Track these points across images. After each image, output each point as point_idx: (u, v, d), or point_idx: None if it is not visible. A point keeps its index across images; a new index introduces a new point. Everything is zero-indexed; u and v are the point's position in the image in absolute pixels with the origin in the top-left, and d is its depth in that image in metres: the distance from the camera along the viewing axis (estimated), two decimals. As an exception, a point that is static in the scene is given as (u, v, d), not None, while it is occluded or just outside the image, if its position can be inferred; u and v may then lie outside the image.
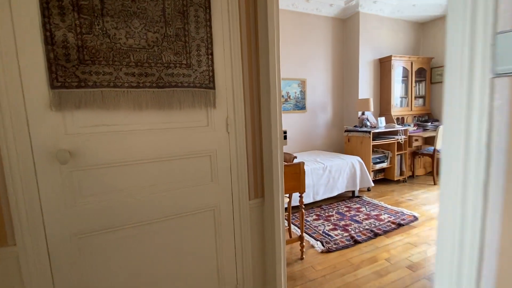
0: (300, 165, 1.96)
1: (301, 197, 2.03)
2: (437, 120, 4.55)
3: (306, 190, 2.96)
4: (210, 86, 1.24)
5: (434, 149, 3.86)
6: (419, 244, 2.24)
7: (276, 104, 1.31)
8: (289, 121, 4.15)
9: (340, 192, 3.34)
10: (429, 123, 4.46)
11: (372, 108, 3.98)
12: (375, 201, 3.30)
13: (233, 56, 1.28)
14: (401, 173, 4.13)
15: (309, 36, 4.16)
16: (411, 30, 4.74)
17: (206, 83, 1.23)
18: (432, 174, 3.99)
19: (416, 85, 4.57)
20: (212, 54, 1.23)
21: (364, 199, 3.42)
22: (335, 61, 4.48)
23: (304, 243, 2.11)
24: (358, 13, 4.14)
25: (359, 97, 4.30)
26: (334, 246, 2.25)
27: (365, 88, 4.36)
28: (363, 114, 4.14)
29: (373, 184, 3.44)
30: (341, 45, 4.50)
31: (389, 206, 3.11)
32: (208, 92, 1.24)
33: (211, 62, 1.23)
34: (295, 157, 2.30)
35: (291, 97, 4.10)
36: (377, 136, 3.93)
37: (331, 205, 3.25)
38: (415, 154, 4.22)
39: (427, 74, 4.64)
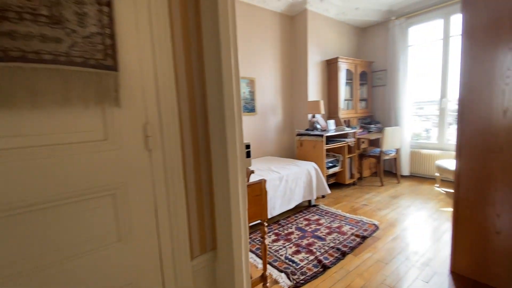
0: (262, 184, 1.49)
1: (263, 226, 1.56)
2: (378, 122, 4.72)
3: (262, 206, 2.53)
4: (107, 64, 0.65)
5: (381, 151, 3.91)
6: (389, 261, 2.03)
7: (233, 101, 0.80)
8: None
9: (297, 203, 3.01)
10: (373, 125, 4.58)
11: (323, 111, 3.82)
12: (333, 210, 3.08)
13: (155, 13, 0.72)
14: (351, 176, 4.09)
15: (256, 31, 3.77)
16: (353, 35, 4.83)
17: (98, 59, 0.64)
18: (378, 175, 4.05)
19: (360, 88, 4.65)
20: (110, 3, 0.65)
21: (321, 208, 3.17)
22: (284, 60, 4.21)
23: (268, 283, 1.64)
24: (306, 11, 3.95)
25: (309, 99, 4.12)
26: (301, 277, 1.85)
27: (314, 90, 4.21)
28: (313, 117, 3.95)
29: (329, 191, 3.24)
30: (290, 44, 4.26)
31: (347, 215, 2.92)
32: (103, 75, 0.65)
33: (108, 20, 0.65)
34: (252, 172, 1.82)
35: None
36: (329, 139, 3.78)
37: (289, 219, 2.89)
38: (362, 156, 4.24)
39: (368, 78, 4.78)
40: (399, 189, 3.78)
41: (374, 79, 4.86)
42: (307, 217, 2.92)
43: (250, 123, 3.80)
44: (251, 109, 3.77)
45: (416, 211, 2.98)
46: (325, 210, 3.08)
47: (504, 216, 1.64)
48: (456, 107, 4.31)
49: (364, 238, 2.38)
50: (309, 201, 3.25)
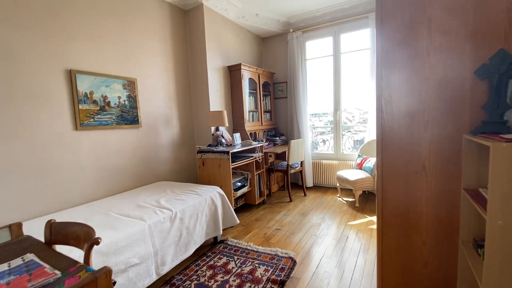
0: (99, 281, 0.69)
1: None
2: (283, 134, 4.60)
3: (144, 265, 1.68)
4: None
5: (288, 165, 3.69)
6: (317, 316, 1.58)
7: None
8: (112, 142, 2.62)
9: (198, 246, 2.27)
10: (277, 138, 4.41)
11: (227, 123, 3.27)
12: (243, 244, 2.50)
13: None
14: (261, 194, 3.69)
15: (137, 18, 2.87)
16: (255, 43, 4.60)
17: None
18: (287, 189, 3.83)
19: (263, 99, 4.41)
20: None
21: (229, 243, 2.54)
22: (179, 61, 3.44)
23: None
24: (202, 6, 3.36)
25: (211, 109, 3.50)
26: None
27: (217, 99, 3.63)
28: (217, 130, 3.35)
29: (238, 221, 2.66)
30: (185, 42, 3.54)
31: (260, 249, 2.40)
32: None
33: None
34: (98, 241, 0.98)
35: (112, 105, 2.60)
36: (235, 156, 3.25)
37: (187, 271, 2.10)
38: (270, 171, 3.95)
39: (271, 89, 4.63)
40: (307, 204, 3.64)
41: (276, 91, 4.77)
42: (211, 262, 2.22)
43: (131, 139, 2.81)
44: (132, 120, 2.79)
45: (327, 229, 2.79)
46: (234, 247, 2.47)
47: (430, 244, 1.46)
48: (345, 119, 4.83)
49: (283, 283, 1.89)
50: (215, 238, 2.57)
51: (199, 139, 3.66)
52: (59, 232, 1.13)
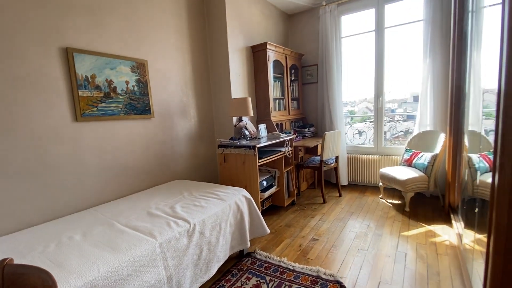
0: None
1: None
2: (312, 125, 4.05)
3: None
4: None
5: (321, 160, 3.17)
6: None
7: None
8: (119, 136, 2.23)
9: (222, 263, 1.84)
10: (307, 129, 3.87)
11: (251, 112, 2.78)
12: (275, 259, 2.05)
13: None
14: (289, 194, 3.21)
15: (146, -13, 2.41)
16: (280, 21, 4.02)
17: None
18: (321, 189, 3.31)
19: (291, 84, 3.87)
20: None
21: (258, 257, 2.10)
22: (196, 40, 2.97)
23: None
24: (222, -27, 2.84)
25: (233, 96, 3.03)
26: None
27: (239, 85, 3.14)
28: (240, 120, 2.87)
29: (268, 231, 2.20)
30: (202, 18, 3.06)
31: (297, 267, 1.94)
32: None
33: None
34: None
35: (119, 91, 2.19)
36: (261, 150, 2.77)
37: (209, 296, 1.69)
38: (299, 167, 3.44)
39: (299, 73, 4.06)
40: (344, 206, 3.11)
41: (305, 75, 4.19)
42: (238, 284, 1.79)
43: (142, 132, 2.41)
44: (142, 110, 2.38)
45: (376, 241, 2.27)
46: (265, 262, 2.02)
47: None
48: (390, 107, 4.14)
49: (336, 324, 1.41)
50: (241, 251, 2.14)
51: (220, 132, 3.21)
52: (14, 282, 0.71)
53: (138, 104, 2.33)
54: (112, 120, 2.15)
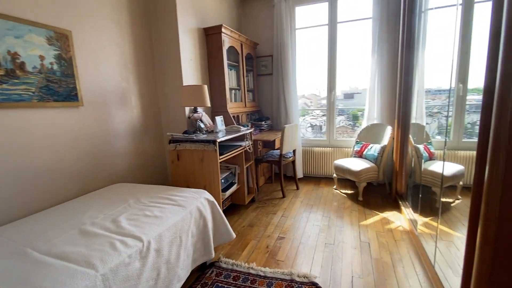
0: None
1: None
2: (268, 118, 3.93)
3: None
4: None
5: (281, 154, 3.07)
6: None
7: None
8: (34, 128, 1.66)
9: (183, 281, 1.53)
10: (263, 122, 3.73)
11: (208, 102, 2.47)
12: (243, 266, 1.84)
13: None
14: (249, 191, 3.03)
15: None
16: (234, 5, 3.73)
17: None
18: (280, 184, 3.23)
19: (247, 74, 3.65)
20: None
21: (223, 266, 1.86)
22: (137, 14, 2.47)
23: None
24: None
25: (185, 83, 2.65)
26: None
27: (191, 71, 2.77)
28: (195, 111, 2.53)
29: (234, 235, 1.96)
30: (144, -12, 2.55)
31: (268, 272, 1.77)
32: None
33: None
34: None
35: (29, 69, 1.61)
36: (221, 145, 2.49)
37: (171, 325, 1.38)
38: (258, 162, 3.28)
39: (254, 63, 3.87)
40: (303, 199, 3.10)
41: (259, 66, 4.02)
42: (205, 303, 1.52)
43: (66, 123, 1.86)
44: (66, 96, 1.83)
45: (340, 233, 2.28)
46: (233, 271, 1.80)
47: None
48: (340, 101, 4.30)
49: (320, 334, 1.30)
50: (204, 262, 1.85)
51: (169, 124, 2.79)
52: None
53: (60, 88, 1.78)
54: (20, 108, 1.57)
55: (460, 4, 1.81)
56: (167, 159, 2.84)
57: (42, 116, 1.70)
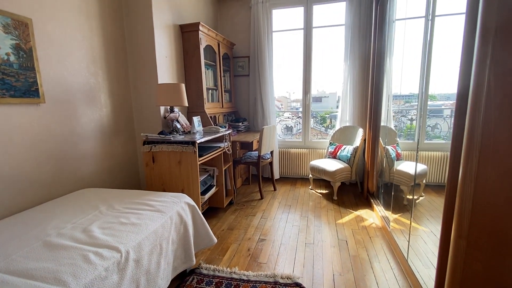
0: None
1: None
2: (245, 119, 3.91)
3: None
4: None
5: (259, 156, 3.07)
6: None
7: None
8: (-18, 129, 1.44)
9: (165, 291, 1.44)
10: (240, 123, 3.70)
11: (186, 102, 2.38)
12: (225, 271, 1.79)
13: None
14: (227, 193, 2.97)
15: None
16: (210, 3, 3.65)
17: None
18: (258, 185, 3.22)
19: (223, 74, 3.59)
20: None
21: (204, 272, 1.79)
22: (107, 4, 2.29)
23: None
24: None
25: (160, 81, 2.52)
26: None
27: (167, 69, 2.64)
28: (171, 111, 2.41)
29: (216, 240, 1.90)
30: (116, -22, 2.38)
31: (251, 275, 1.75)
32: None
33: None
34: None
35: (-21, 59, 1.40)
36: (199, 147, 2.41)
37: None
38: (236, 163, 3.24)
39: (231, 63, 3.83)
40: (281, 200, 3.12)
41: (236, 66, 3.99)
42: (188, 313, 1.44)
43: (25, 122, 1.66)
44: (25, 91, 1.62)
45: (318, 232, 2.33)
46: (214, 277, 1.74)
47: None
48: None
49: (308, 335, 1.30)
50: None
51: (142, 125, 2.63)
52: None
53: (18, 82, 1.57)
54: (-34, 104, 1.36)
55: (424, 17, 1.96)
56: (140, 162, 2.67)
57: (-5, 113, 1.49)
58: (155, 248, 1.36)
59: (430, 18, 1.99)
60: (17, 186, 1.61)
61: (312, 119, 4.08)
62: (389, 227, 2.24)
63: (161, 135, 2.25)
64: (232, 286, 1.65)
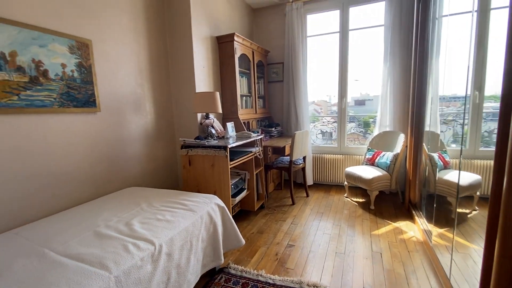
0: None
1: None
2: (278, 125, 3.94)
3: None
4: None
5: (291, 161, 3.06)
6: None
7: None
8: (53, 133, 1.73)
9: (193, 286, 1.54)
10: (273, 129, 3.74)
11: (220, 109, 2.51)
12: (252, 273, 1.83)
13: None
14: (259, 197, 3.03)
15: (90, -51, 1.94)
16: (245, 14, 3.81)
17: None
18: (290, 190, 3.21)
19: (257, 81, 3.69)
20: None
21: (232, 272, 1.85)
22: (153, 23, 2.56)
23: None
24: (186, -51, 2.50)
25: (197, 90, 2.70)
26: None
27: (204, 78, 2.83)
28: (206, 117, 2.57)
29: (244, 242, 1.97)
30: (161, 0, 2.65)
31: (277, 280, 1.76)
32: None
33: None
34: None
35: (52, 76, 1.70)
36: (232, 151, 2.52)
37: (180, 330, 1.38)
38: (268, 168, 3.29)
39: (265, 70, 3.91)
40: (313, 207, 3.06)
41: (270, 73, 4.06)
42: (214, 309, 1.52)
43: (83, 128, 1.94)
44: (85, 102, 1.91)
45: (351, 242, 2.23)
46: (241, 278, 1.79)
47: None
48: (353, 108, 4.26)
49: None
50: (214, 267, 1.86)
51: (181, 130, 2.85)
52: None
53: (79, 94, 1.86)
54: (42, 114, 1.65)
55: (475, 11, 1.79)
56: (178, 164, 2.88)
57: (62, 121, 1.78)
58: (186, 244, 1.47)
59: (487, 9, 1.81)
60: (76, 182, 1.88)
61: (353, 124, 3.93)
62: (431, 242, 2.04)
63: (197, 140, 2.41)
64: (258, 288, 1.68)
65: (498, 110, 1.04)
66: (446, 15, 2.34)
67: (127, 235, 1.35)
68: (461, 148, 1.95)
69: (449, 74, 2.38)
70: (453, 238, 1.74)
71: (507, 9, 1.02)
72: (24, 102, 1.55)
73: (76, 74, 1.83)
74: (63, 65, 1.75)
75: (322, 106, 4.32)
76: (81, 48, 1.85)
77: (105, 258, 1.14)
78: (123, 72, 2.24)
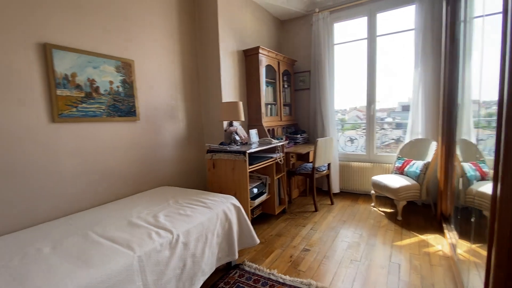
0: None
1: None
2: (304, 132, 4.00)
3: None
4: None
5: (313, 167, 3.10)
6: None
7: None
8: (101, 138, 2.10)
9: (207, 276, 1.71)
10: (299, 135, 3.81)
11: (242, 117, 2.70)
12: (265, 271, 1.94)
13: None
14: (280, 202, 3.12)
15: (135, -15, 2.33)
16: (273, 26, 4.00)
17: None
18: (313, 197, 3.24)
19: (283, 90, 3.82)
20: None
21: (246, 269, 1.98)
22: (185, 41, 2.89)
23: None
24: (215, -25, 2.79)
25: (223, 100, 2.94)
26: None
27: (230, 89, 3.07)
28: (231, 125, 2.79)
29: (258, 241, 2.09)
30: (192, 19, 2.99)
31: (288, 280, 1.83)
32: None
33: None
34: None
35: (102, 91, 2.07)
36: (252, 156, 2.68)
37: (193, 313, 1.56)
38: (291, 174, 3.36)
39: (292, 79, 4.03)
40: (336, 215, 3.04)
41: (297, 81, 4.16)
42: (225, 299, 1.67)
43: (127, 135, 2.28)
44: (127, 112, 2.26)
45: (369, 252, 2.19)
46: (254, 275, 1.91)
47: None
48: (380, 115, 4.09)
49: None
50: (229, 262, 2.02)
51: (209, 136, 3.11)
52: None
53: (123, 106, 2.22)
54: (93, 122, 2.03)
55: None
56: (205, 167, 3.14)
57: (108, 128, 2.14)
58: (201, 237, 1.65)
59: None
60: (118, 180, 2.23)
61: (398, 131, 3.76)
62: (456, 257, 1.91)
63: (220, 145, 2.63)
64: (268, 286, 1.79)
65: None
66: (477, 17, 2.21)
67: (152, 224, 1.58)
68: (497, 156, 1.81)
69: (483, 77, 2.22)
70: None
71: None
72: (80, 113, 1.93)
73: (120, 89, 2.19)
74: (111, 82, 2.12)
75: (365, 112, 4.13)
76: (125, 67, 2.22)
77: (132, 241, 1.37)
78: (159, 85, 2.58)
